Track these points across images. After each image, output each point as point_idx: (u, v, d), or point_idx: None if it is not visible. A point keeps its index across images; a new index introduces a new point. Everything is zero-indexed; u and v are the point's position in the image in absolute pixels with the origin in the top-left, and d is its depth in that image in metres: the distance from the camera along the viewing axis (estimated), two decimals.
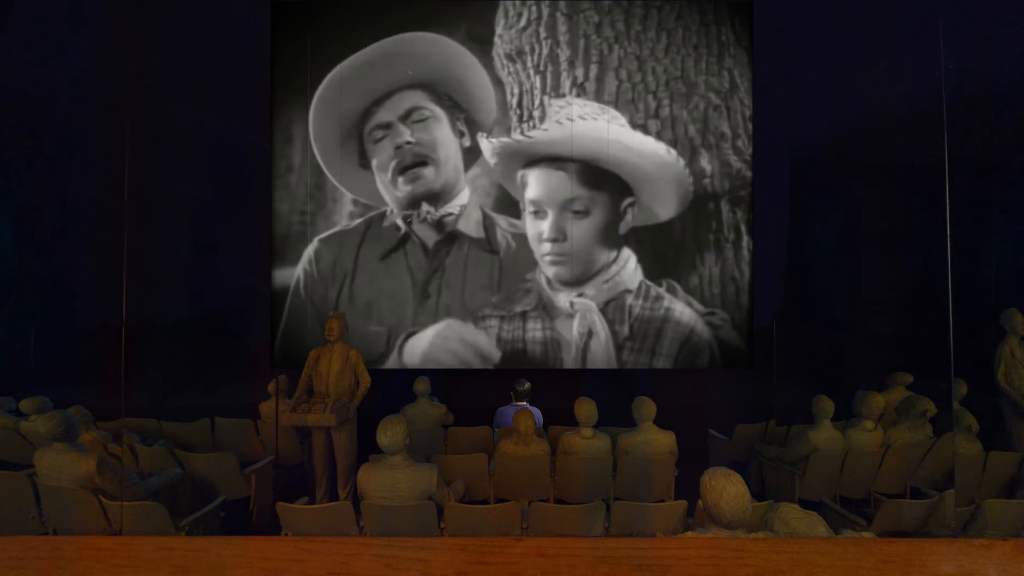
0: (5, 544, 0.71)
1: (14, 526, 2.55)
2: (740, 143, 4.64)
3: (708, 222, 4.63)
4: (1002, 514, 2.42)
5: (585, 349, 4.54)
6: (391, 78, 4.61)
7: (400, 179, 4.58)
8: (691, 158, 4.62)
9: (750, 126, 4.65)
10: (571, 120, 4.50)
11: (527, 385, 3.80)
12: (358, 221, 4.64)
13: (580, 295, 4.53)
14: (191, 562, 0.68)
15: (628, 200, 4.53)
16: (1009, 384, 3.53)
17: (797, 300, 5.16)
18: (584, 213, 4.50)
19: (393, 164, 4.58)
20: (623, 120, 4.56)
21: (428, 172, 4.57)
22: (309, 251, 4.64)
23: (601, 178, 4.53)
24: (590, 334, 4.49)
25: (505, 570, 0.66)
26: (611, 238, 4.58)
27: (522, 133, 4.54)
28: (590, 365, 4.56)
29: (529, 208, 4.55)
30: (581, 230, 4.54)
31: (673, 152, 4.55)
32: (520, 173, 4.56)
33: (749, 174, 4.66)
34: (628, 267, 4.58)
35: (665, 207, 4.58)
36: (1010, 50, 4.52)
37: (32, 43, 4.58)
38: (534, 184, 4.53)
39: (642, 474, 2.93)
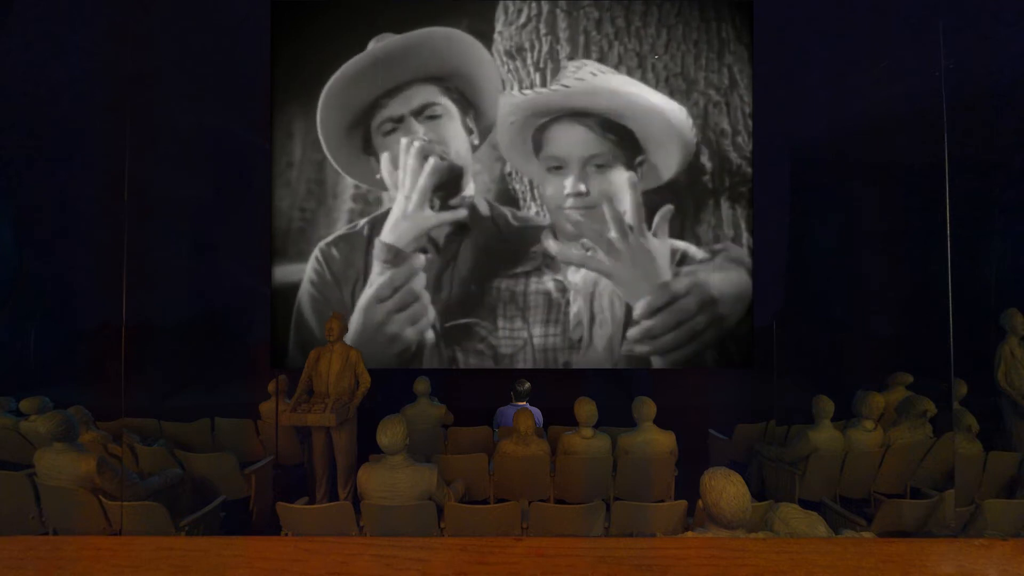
0: (5, 544, 0.71)
1: (14, 526, 2.55)
2: (740, 140, 4.64)
3: (708, 219, 4.63)
4: (1002, 514, 2.42)
5: (593, 295, 4.53)
6: (404, 71, 4.60)
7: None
8: (691, 155, 4.63)
9: (750, 123, 4.65)
10: (593, 74, 4.50)
11: (527, 385, 3.80)
12: (363, 222, 4.64)
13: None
14: (191, 562, 0.68)
15: (639, 158, 4.54)
16: (1009, 384, 3.53)
17: (797, 300, 5.16)
18: (606, 167, 4.51)
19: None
20: (636, 81, 4.58)
21: (442, 167, 4.57)
22: (316, 254, 4.64)
23: (619, 133, 4.54)
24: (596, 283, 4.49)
25: (505, 570, 0.66)
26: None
27: (546, 86, 4.54)
28: (596, 308, 4.55)
29: (549, 164, 4.54)
30: (603, 184, 4.53)
31: (684, 111, 4.56)
32: (536, 131, 4.56)
33: (749, 171, 4.66)
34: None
35: (668, 164, 4.57)
36: (1010, 50, 4.52)
37: (32, 43, 4.57)
38: (554, 140, 4.53)
39: (642, 474, 2.93)
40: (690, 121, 4.55)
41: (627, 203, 4.49)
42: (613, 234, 4.43)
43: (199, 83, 4.90)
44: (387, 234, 4.57)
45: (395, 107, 4.60)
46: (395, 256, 4.51)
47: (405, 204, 4.56)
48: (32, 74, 4.64)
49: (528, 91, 4.55)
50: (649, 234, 4.49)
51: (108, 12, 4.58)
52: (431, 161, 4.51)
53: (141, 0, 4.54)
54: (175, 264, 4.99)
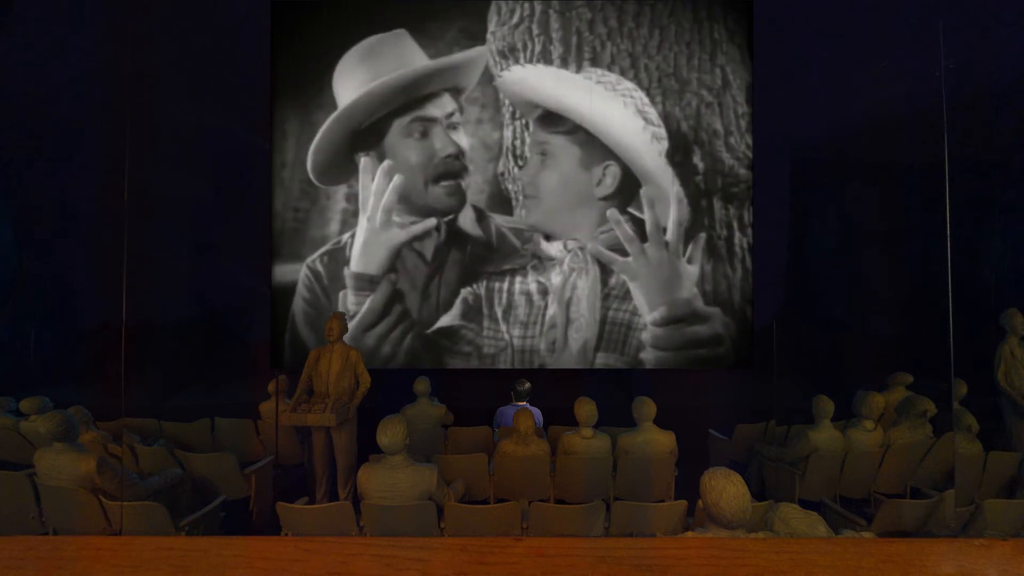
0: (5, 544, 0.71)
1: (14, 526, 2.55)
2: (733, 140, 4.64)
3: (700, 219, 4.63)
4: (1002, 514, 2.42)
5: (570, 300, 4.53)
6: (439, 82, 4.60)
7: (435, 186, 4.60)
8: (683, 155, 4.63)
9: (743, 123, 4.65)
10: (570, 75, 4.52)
11: (527, 385, 3.80)
12: (346, 236, 4.64)
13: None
14: (191, 562, 0.68)
15: (606, 163, 4.53)
16: (1009, 384, 3.53)
17: (797, 300, 5.16)
18: (546, 156, 4.52)
19: (429, 170, 4.60)
20: (638, 92, 4.58)
21: (463, 183, 4.60)
22: (304, 270, 4.65)
23: (569, 130, 4.54)
24: (578, 274, 4.48)
25: (505, 570, 0.66)
26: (588, 195, 4.58)
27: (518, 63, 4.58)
28: (573, 313, 4.55)
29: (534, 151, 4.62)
30: (545, 176, 4.56)
31: (657, 137, 4.55)
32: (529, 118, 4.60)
33: (742, 171, 4.66)
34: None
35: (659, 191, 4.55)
36: (1010, 50, 4.52)
37: (32, 43, 4.58)
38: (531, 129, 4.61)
39: (642, 474, 2.93)
40: (662, 145, 4.55)
41: (671, 217, 4.52)
42: (648, 243, 4.46)
43: (199, 83, 4.91)
44: (356, 262, 4.57)
45: (431, 109, 4.58)
46: (369, 283, 4.52)
47: (369, 226, 4.57)
48: (32, 74, 4.64)
49: (508, 70, 4.59)
50: (683, 258, 4.53)
51: (108, 12, 4.58)
52: (396, 179, 4.51)
53: (141, 0, 4.54)
54: (175, 264, 4.99)
